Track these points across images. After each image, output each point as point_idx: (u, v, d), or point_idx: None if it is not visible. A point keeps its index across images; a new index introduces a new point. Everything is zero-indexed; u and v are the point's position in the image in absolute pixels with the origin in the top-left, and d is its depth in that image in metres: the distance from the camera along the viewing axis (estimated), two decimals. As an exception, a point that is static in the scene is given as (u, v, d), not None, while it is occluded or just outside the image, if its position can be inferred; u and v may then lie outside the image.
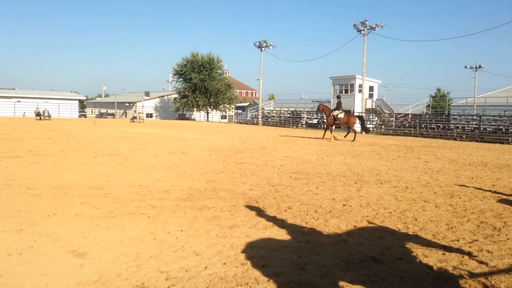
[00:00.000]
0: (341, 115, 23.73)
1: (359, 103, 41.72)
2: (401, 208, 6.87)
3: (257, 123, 53.02)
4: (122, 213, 6.05)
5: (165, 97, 73.63)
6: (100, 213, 5.99)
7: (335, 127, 25.21)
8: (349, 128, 24.61)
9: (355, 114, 29.77)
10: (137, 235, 5.04)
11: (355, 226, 5.71)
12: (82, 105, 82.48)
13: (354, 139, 23.40)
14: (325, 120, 25.67)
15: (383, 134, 36.13)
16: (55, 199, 6.81)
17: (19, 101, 61.56)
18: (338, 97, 25.13)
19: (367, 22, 39.40)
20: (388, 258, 4.47)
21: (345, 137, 24.84)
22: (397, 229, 5.61)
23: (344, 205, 6.98)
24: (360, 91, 41.70)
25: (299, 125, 47.70)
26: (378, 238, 5.18)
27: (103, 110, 76.72)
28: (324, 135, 24.79)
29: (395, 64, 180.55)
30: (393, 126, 38.96)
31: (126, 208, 6.34)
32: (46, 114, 45.34)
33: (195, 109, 63.86)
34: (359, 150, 17.81)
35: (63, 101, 65.67)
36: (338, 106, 23.88)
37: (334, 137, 23.96)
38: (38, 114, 45.32)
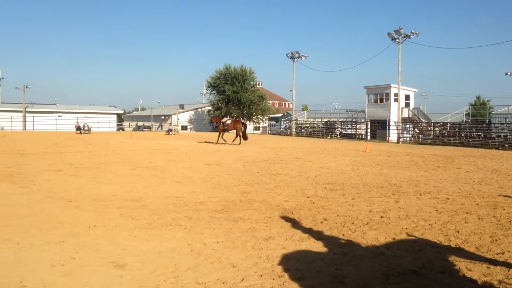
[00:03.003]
0: (229, 121, 27.79)
1: (395, 112, 40.93)
2: (442, 220, 6.67)
3: (290, 134, 52.90)
4: (160, 224, 6.14)
5: (199, 110, 74.68)
6: (138, 225, 6.10)
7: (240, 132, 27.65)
8: (236, 133, 27.86)
9: (242, 121, 32.99)
10: (175, 246, 5.10)
11: (394, 239, 5.58)
12: (120, 118, 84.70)
13: (240, 143, 26.68)
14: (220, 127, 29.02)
15: (421, 144, 35.30)
16: (95, 211, 6.99)
17: (60, 116, 63.92)
18: (227, 105, 30.07)
19: (402, 30, 38.77)
20: (429, 271, 4.34)
21: (233, 141, 27.72)
22: (438, 242, 5.44)
23: (382, 216, 6.84)
24: (396, 100, 40.91)
25: (333, 136, 47.26)
26: (419, 251, 5.04)
27: (140, 123, 78.56)
28: (217, 141, 27.87)
29: (431, 72, 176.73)
30: (431, 136, 38.01)
31: (163, 219, 6.44)
32: (86, 128, 46.83)
33: (228, 121, 64.39)
34: (396, 160, 17.46)
35: (102, 115, 67.77)
36: (226, 114, 28.53)
37: (224, 140, 27.74)
38: (78, 128, 46.85)
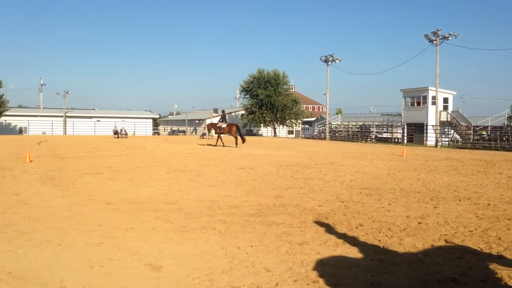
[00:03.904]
0: (224, 125, 29.11)
1: (432, 116, 39.91)
2: (482, 226, 6.44)
3: (324, 138, 52.45)
4: (194, 227, 6.20)
5: (233, 114, 75.20)
6: (174, 228, 6.19)
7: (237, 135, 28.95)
8: (232, 135, 29.15)
9: (235, 124, 32.83)
10: (209, 249, 5.14)
11: (432, 245, 5.42)
12: (156, 123, 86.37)
13: (236, 145, 28.12)
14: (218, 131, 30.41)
15: (460, 148, 34.26)
16: (132, 213, 7.14)
17: (99, 121, 65.92)
18: (223, 111, 31.28)
19: (439, 31, 37.85)
20: (469, 279, 4.20)
21: (223, 144, 29.03)
22: (479, 249, 5.26)
23: (419, 222, 6.67)
24: (434, 103, 39.89)
25: (368, 140, 46.54)
26: (458, 258, 4.88)
27: (175, 128, 79.87)
28: (216, 143, 29.78)
29: (470, 74, 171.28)
30: (471, 140, 36.83)
31: (198, 223, 6.50)
32: (123, 133, 48.00)
33: (262, 124, 64.54)
34: (434, 165, 17.01)
35: (138, 120, 69.40)
36: (222, 119, 29.54)
37: (222, 143, 29.15)
38: (116, 133, 48.08)
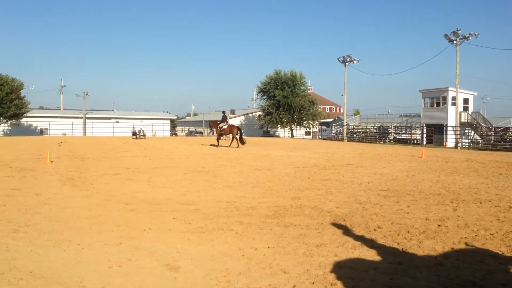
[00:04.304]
0: (225, 127, 29.38)
1: (452, 117, 39.28)
2: (504, 229, 6.31)
3: (341, 139, 52.12)
4: (212, 228, 6.23)
5: (250, 115, 75.32)
6: (191, 228, 6.22)
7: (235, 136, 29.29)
8: (232, 136, 29.36)
9: (237, 125, 33.75)
10: (226, 250, 5.15)
11: (452, 248, 5.34)
12: (173, 124, 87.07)
13: (237, 146, 28.19)
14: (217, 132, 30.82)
15: (481, 150, 33.67)
16: (150, 214, 7.21)
17: (118, 122, 66.72)
18: (224, 112, 31.11)
19: (460, 31, 37.25)
20: (490, 283, 4.12)
21: (230, 145, 29.20)
22: (500, 253, 5.15)
23: (439, 225, 6.57)
24: (454, 104, 39.27)
25: (386, 141, 46.07)
26: (479, 262, 4.80)
27: (192, 129, 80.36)
28: (218, 144, 29.86)
29: (492, 74, 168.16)
30: (492, 141, 36.15)
31: (215, 223, 6.53)
32: (141, 134, 48.48)
33: (279, 126, 64.45)
34: (454, 166, 16.75)
35: (156, 121, 70.02)
36: (223, 120, 29.69)
37: (220, 144, 29.67)
38: (134, 134, 48.58)
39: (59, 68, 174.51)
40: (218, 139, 30.44)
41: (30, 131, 60.97)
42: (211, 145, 31.60)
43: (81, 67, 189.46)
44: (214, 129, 30.90)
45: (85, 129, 63.21)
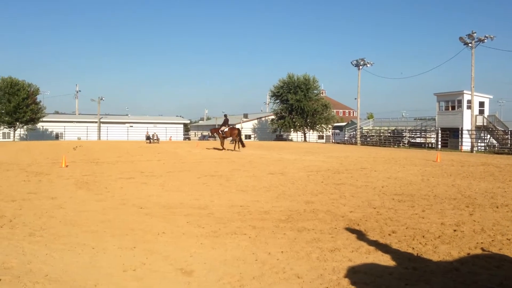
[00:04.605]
0: (226, 129, 30.26)
1: (468, 120, 38.78)
2: (522, 235, 6.19)
3: (355, 143, 51.82)
4: (225, 232, 6.23)
5: (263, 119, 75.32)
6: (204, 232, 6.23)
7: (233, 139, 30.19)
8: (233, 139, 30.05)
9: (237, 127, 34.33)
10: (240, 255, 5.15)
11: (468, 254, 5.26)
12: (186, 128, 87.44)
13: (238, 148, 28.73)
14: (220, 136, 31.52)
15: (497, 153, 33.16)
16: (164, 218, 7.24)
17: (132, 126, 67.31)
18: (225, 115, 32.30)
19: (475, 34, 36.81)
20: (509, 291, 4.04)
21: (234, 149, 29.18)
22: (518, 259, 5.06)
23: (455, 230, 6.48)
24: (469, 107, 38.76)
25: (401, 145, 45.67)
26: (496, 267, 4.72)
27: (205, 133, 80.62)
28: (222, 147, 30.32)
29: (508, 77, 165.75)
30: (508, 145, 35.58)
31: (229, 228, 6.53)
32: (155, 138, 48.80)
33: (292, 129, 64.34)
34: (469, 170, 16.52)
35: (170, 125, 70.43)
36: (224, 123, 30.54)
37: (223, 147, 30.09)
38: (148, 138, 48.92)
39: (74, 74, 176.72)
40: (222, 143, 31.27)
41: (46, 135, 61.80)
42: (214, 148, 32.38)
43: (96, 72, 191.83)
44: (216, 135, 31.90)
45: (99, 134, 63.82)
